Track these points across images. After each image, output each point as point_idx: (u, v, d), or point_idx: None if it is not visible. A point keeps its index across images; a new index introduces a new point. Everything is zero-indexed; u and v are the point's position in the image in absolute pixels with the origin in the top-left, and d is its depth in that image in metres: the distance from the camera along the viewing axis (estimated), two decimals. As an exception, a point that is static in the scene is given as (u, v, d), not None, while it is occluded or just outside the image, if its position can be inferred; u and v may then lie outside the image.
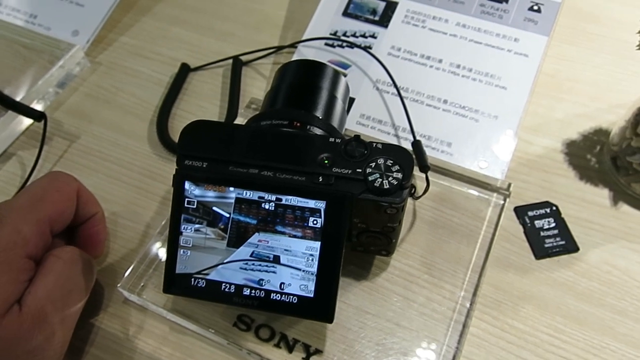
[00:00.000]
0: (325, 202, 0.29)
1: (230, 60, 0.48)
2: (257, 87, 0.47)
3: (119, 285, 0.35)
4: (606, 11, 0.49)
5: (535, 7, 0.45)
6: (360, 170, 0.29)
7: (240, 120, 0.43)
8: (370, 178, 0.29)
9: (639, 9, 0.44)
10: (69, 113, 0.46)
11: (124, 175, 0.42)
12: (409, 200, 0.34)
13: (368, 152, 0.30)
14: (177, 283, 0.30)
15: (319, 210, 0.29)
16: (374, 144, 0.30)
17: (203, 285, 0.30)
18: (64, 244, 0.34)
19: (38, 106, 0.46)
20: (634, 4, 0.49)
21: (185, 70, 0.48)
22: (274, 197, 0.30)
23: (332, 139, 0.30)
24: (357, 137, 0.30)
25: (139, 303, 0.36)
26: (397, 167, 0.29)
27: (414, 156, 0.37)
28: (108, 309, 0.36)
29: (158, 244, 0.37)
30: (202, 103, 0.46)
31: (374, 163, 0.29)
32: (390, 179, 0.29)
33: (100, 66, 0.49)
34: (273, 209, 0.30)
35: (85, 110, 0.46)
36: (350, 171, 0.29)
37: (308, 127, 0.32)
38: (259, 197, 0.30)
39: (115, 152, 0.43)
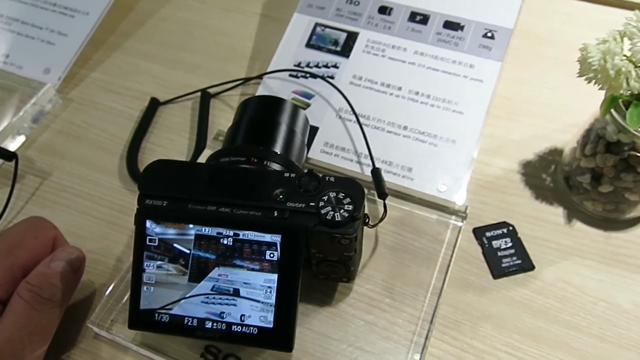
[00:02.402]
0: (280, 235, 0.30)
1: (199, 93, 0.49)
2: (225, 118, 0.48)
3: (88, 321, 0.36)
4: (558, 34, 0.51)
5: (489, 34, 0.47)
6: (313, 204, 0.31)
7: (207, 152, 0.44)
8: (322, 211, 0.30)
9: (589, 29, 0.46)
10: (41, 150, 0.47)
11: (94, 210, 0.43)
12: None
13: (321, 186, 0.31)
14: (141, 319, 0.32)
15: (275, 244, 0.31)
16: (327, 178, 0.31)
17: (167, 320, 0.31)
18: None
19: (11, 144, 0.47)
20: (585, 25, 0.51)
21: (154, 105, 0.49)
22: (231, 233, 0.31)
23: (287, 174, 0.32)
24: (310, 172, 0.32)
25: (109, 338, 0.36)
26: (348, 200, 0.31)
27: (373, 183, 0.39)
28: (79, 344, 0.37)
29: (127, 279, 0.38)
30: (172, 136, 0.48)
31: (326, 196, 0.31)
32: (342, 211, 0.30)
33: (71, 103, 0.50)
34: (231, 244, 0.31)
35: (57, 147, 0.47)
36: (303, 205, 0.31)
37: (265, 162, 0.34)
38: (218, 233, 0.31)
39: (87, 188, 0.45)
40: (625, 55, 0.33)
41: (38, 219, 0.36)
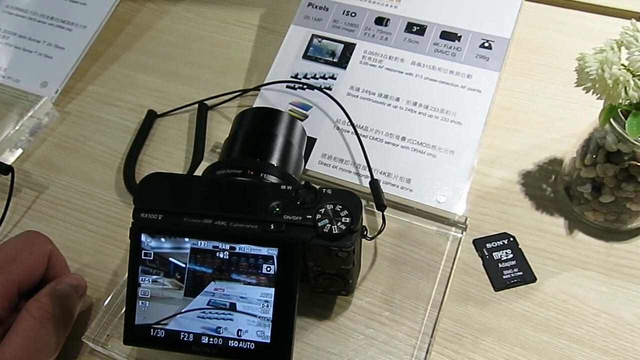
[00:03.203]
0: (277, 249, 0.30)
1: (196, 105, 0.49)
2: (222, 130, 0.48)
3: (83, 336, 0.35)
4: (555, 43, 0.51)
5: (486, 44, 0.47)
6: (310, 217, 0.30)
7: (205, 165, 0.44)
8: (319, 224, 0.30)
9: (586, 39, 0.46)
10: (38, 164, 0.47)
11: (91, 224, 0.43)
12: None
13: (318, 198, 0.31)
14: (137, 334, 0.31)
15: (271, 257, 0.30)
16: (324, 190, 0.31)
17: (162, 336, 0.31)
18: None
19: (9, 158, 0.47)
20: (581, 35, 0.51)
21: (151, 117, 0.49)
22: (227, 246, 0.30)
23: (283, 187, 0.31)
24: (307, 184, 0.31)
25: (104, 353, 0.36)
26: (345, 212, 0.30)
27: (372, 195, 0.39)
28: (74, 360, 0.36)
29: (124, 293, 0.38)
30: (169, 149, 0.47)
31: (323, 209, 0.30)
32: (339, 224, 0.30)
33: (68, 116, 0.50)
34: (227, 257, 0.30)
35: (53, 161, 0.47)
36: (300, 218, 0.30)
37: (262, 175, 0.33)
38: (214, 247, 0.31)
39: (83, 202, 0.44)
40: (623, 65, 0.33)
41: (34, 234, 0.36)
